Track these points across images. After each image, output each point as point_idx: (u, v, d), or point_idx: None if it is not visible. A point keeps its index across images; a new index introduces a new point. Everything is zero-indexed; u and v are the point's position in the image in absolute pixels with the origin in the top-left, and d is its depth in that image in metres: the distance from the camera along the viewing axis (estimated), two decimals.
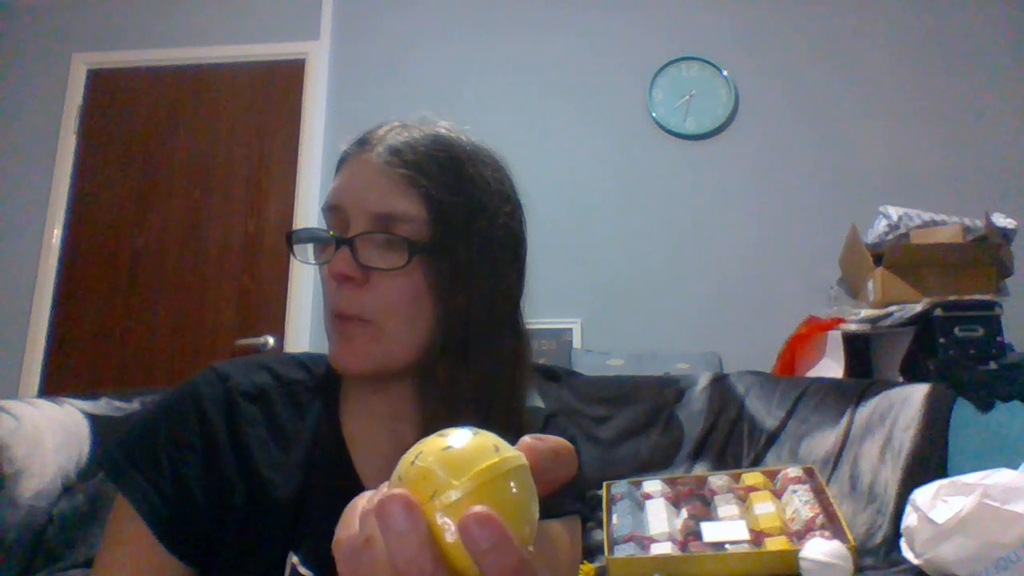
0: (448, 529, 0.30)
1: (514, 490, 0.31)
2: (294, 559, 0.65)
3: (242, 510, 0.65)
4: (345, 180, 0.69)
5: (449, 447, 0.32)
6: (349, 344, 0.66)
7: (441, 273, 0.66)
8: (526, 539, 0.32)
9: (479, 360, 0.67)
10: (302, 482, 0.67)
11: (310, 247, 0.72)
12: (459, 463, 0.31)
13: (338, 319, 0.66)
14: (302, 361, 0.75)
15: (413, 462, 0.32)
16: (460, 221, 0.67)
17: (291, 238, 0.71)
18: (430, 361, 0.67)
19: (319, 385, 0.73)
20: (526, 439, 0.35)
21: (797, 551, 1.40)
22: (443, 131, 0.71)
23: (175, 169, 3.07)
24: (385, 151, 0.67)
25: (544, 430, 0.77)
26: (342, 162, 0.72)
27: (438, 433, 0.33)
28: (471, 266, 0.67)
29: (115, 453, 0.66)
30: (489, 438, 0.33)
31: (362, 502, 0.34)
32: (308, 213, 2.91)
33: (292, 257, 0.72)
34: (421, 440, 0.33)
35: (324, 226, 0.69)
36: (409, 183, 0.66)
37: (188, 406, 0.67)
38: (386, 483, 0.34)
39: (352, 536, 0.32)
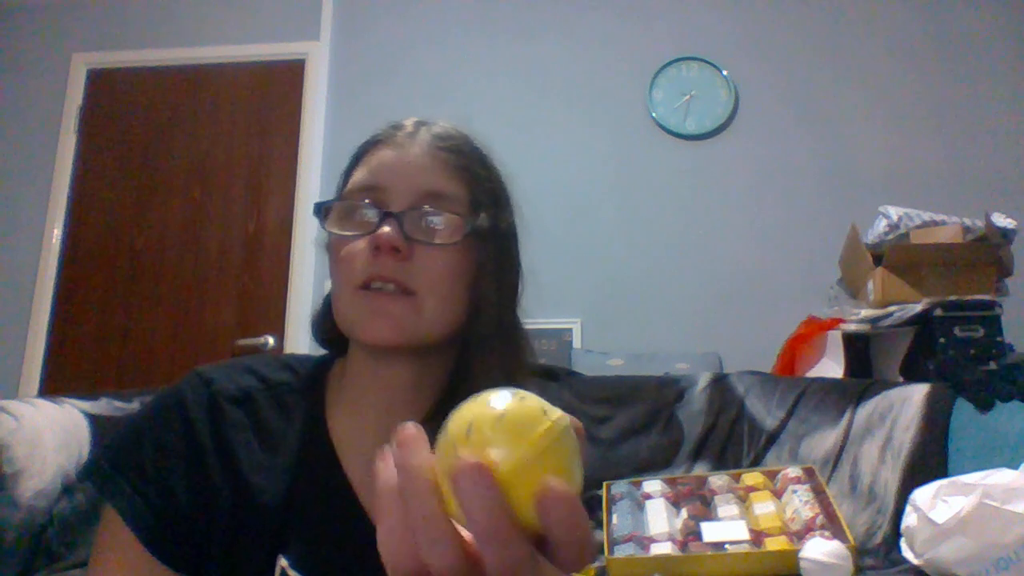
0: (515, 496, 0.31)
1: (567, 449, 0.33)
2: (283, 562, 0.65)
3: (229, 515, 0.65)
4: (388, 160, 0.68)
5: (502, 415, 0.32)
6: (386, 315, 0.64)
7: (481, 257, 0.68)
8: (579, 490, 0.33)
9: (496, 349, 0.69)
10: (289, 485, 0.67)
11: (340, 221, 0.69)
12: (515, 431, 0.32)
13: (371, 292, 0.64)
14: (287, 363, 0.74)
15: (468, 434, 0.32)
16: (493, 210, 0.69)
17: (324, 209, 0.68)
18: (445, 346, 0.68)
19: (305, 386, 0.72)
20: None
21: (797, 551, 1.40)
22: (460, 127, 0.74)
23: (175, 169, 3.07)
24: (429, 135, 0.69)
25: None
26: (372, 145, 0.71)
27: (479, 400, 0.33)
28: (500, 255, 0.70)
29: (100, 460, 0.65)
30: (534, 400, 0.33)
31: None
32: (308, 213, 2.90)
33: (322, 229, 0.69)
34: (462, 407, 0.33)
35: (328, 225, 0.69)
36: (456, 166, 0.68)
37: (172, 411, 0.66)
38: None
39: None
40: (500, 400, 0.33)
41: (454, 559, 0.30)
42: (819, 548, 1.37)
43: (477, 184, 0.69)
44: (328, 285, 0.72)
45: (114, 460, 0.65)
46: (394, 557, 0.32)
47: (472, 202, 0.68)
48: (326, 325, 0.75)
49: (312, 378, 0.73)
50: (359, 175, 0.69)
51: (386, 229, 0.63)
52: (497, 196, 0.71)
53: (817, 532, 1.45)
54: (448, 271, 0.66)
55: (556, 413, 0.33)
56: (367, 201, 0.66)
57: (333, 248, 0.68)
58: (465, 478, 0.30)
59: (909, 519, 1.41)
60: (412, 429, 0.33)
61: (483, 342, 0.68)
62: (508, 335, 0.71)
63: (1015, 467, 1.35)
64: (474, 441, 0.32)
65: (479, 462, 0.30)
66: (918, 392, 1.75)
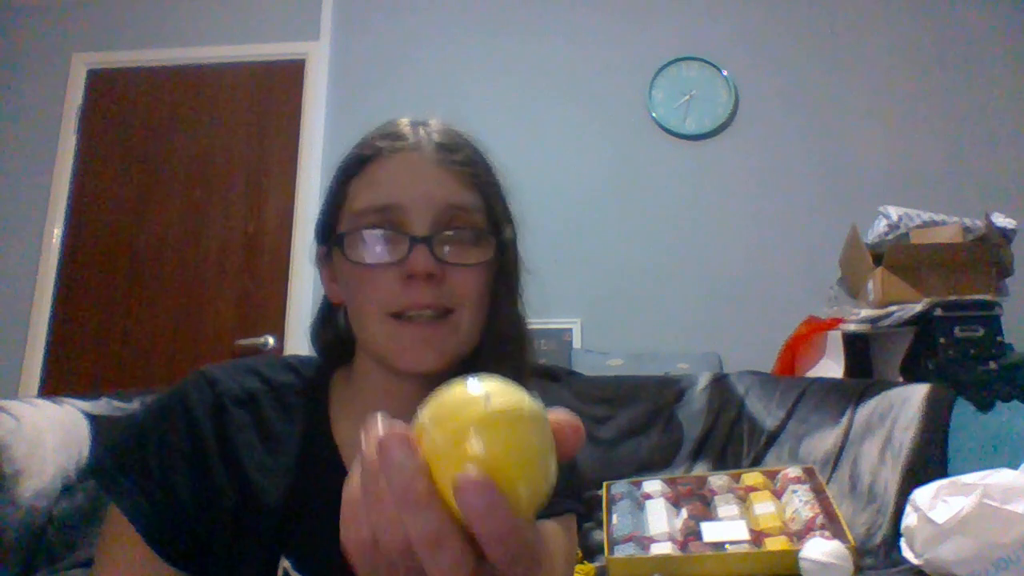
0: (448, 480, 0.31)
1: (511, 440, 0.32)
2: (286, 563, 0.65)
3: (232, 515, 0.65)
4: (398, 175, 0.66)
5: (441, 400, 0.34)
6: (427, 343, 0.64)
7: (504, 266, 0.68)
8: (539, 494, 0.33)
9: (509, 352, 0.69)
10: (292, 486, 0.67)
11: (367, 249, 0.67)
12: (446, 413, 0.33)
13: (406, 320, 0.64)
14: (291, 364, 0.74)
15: (417, 415, 0.34)
16: (502, 216, 0.70)
17: (343, 238, 0.66)
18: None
19: (308, 388, 0.72)
20: (560, 410, 0.36)
21: (797, 551, 1.40)
22: (456, 127, 0.73)
23: (175, 169, 3.07)
24: (434, 146, 0.68)
25: None
26: (371, 160, 0.68)
27: (449, 385, 0.34)
28: (514, 260, 0.71)
29: (104, 460, 0.65)
30: (488, 396, 0.33)
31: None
32: (308, 213, 2.91)
33: (343, 259, 0.66)
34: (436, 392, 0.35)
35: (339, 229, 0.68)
36: (468, 176, 0.68)
37: (177, 411, 0.66)
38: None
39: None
40: (463, 386, 0.34)
41: (405, 540, 0.31)
42: (819, 548, 1.37)
43: (489, 191, 0.69)
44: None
45: (118, 459, 0.65)
46: (349, 528, 0.34)
47: (488, 210, 0.68)
48: (325, 335, 0.76)
49: (315, 380, 0.73)
50: (368, 194, 0.66)
51: (419, 258, 0.63)
52: (506, 201, 0.72)
53: (817, 532, 1.45)
54: (480, 285, 0.66)
55: (502, 401, 0.33)
56: (389, 223, 0.65)
57: (348, 269, 0.66)
58: (382, 446, 0.32)
59: (909, 519, 1.41)
60: (377, 417, 0.34)
61: (499, 345, 0.69)
62: (519, 336, 0.71)
63: (1015, 467, 1.35)
64: (420, 421, 0.33)
65: (400, 433, 0.32)
66: (918, 392, 1.75)
